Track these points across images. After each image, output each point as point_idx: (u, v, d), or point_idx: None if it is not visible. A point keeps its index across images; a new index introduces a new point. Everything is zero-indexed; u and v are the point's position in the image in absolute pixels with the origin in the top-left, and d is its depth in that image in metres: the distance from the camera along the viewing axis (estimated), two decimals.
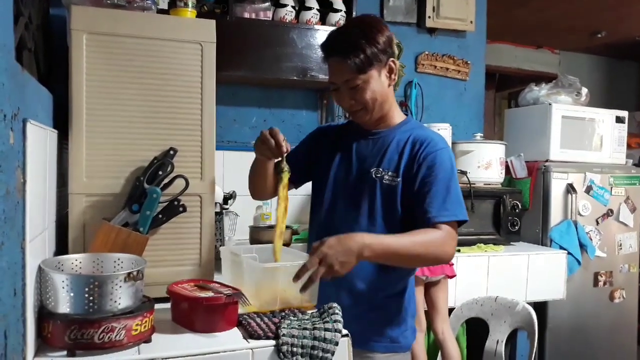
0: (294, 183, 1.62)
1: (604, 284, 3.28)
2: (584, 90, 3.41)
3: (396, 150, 1.48)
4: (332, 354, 1.17)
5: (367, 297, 1.49)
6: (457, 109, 3.37)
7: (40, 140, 1.10)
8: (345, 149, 1.55)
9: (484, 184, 3.01)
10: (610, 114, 3.45)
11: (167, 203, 1.36)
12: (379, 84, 1.44)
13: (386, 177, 1.46)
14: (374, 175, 1.47)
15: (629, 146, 3.72)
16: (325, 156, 1.59)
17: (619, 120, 3.47)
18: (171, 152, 1.37)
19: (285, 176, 1.44)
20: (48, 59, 1.52)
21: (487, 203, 2.98)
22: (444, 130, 3.04)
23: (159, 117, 1.40)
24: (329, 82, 1.50)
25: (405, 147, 1.47)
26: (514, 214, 3.02)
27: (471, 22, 3.29)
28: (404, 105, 3.24)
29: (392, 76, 1.48)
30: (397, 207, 1.46)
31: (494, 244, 2.90)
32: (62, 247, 1.36)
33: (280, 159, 1.44)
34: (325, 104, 3.10)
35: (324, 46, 1.47)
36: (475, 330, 2.47)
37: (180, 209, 1.37)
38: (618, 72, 5.76)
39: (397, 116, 1.54)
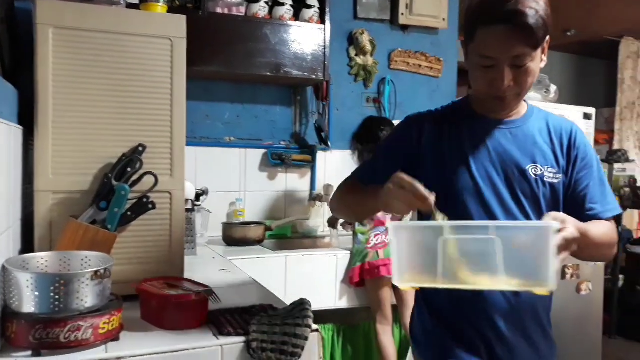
0: None
1: (571, 276, 3.36)
2: (553, 88, 3.48)
3: (544, 141, 1.27)
4: (302, 349, 1.18)
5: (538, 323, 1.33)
6: (429, 106, 3.33)
7: (4, 136, 1.08)
8: (474, 144, 1.26)
9: None
10: (578, 110, 3.53)
11: (135, 200, 1.35)
12: (538, 65, 1.19)
13: (547, 174, 1.24)
14: (532, 174, 1.24)
15: (596, 142, 3.83)
16: (440, 154, 1.28)
17: (587, 117, 3.56)
18: (140, 149, 1.36)
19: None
20: (13, 53, 1.49)
21: None
22: None
23: (128, 113, 1.38)
24: (482, 55, 1.16)
25: (552, 137, 1.28)
26: None
27: (444, 19, 3.32)
28: (377, 101, 3.26)
29: (544, 57, 1.21)
30: (561, 208, 1.25)
31: None
32: (28, 245, 1.34)
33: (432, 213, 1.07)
34: (299, 100, 3.10)
35: (488, 9, 1.13)
36: None
37: (150, 206, 1.36)
38: (587, 70, 5.89)
39: (522, 102, 1.31)
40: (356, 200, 1.33)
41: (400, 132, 1.39)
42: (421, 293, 1.37)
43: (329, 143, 3.06)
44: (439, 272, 1.02)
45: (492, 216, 1.22)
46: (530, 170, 1.24)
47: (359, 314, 2.60)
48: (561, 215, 1.06)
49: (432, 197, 1.05)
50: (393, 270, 1.06)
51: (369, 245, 2.47)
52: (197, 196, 2.45)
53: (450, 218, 1.10)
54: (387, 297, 2.46)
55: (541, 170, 1.24)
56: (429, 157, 1.29)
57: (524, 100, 1.30)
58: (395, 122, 2.95)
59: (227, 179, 2.94)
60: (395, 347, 2.50)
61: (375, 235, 2.48)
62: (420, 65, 3.36)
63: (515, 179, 1.24)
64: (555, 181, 1.25)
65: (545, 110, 1.35)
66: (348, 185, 1.39)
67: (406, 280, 1.06)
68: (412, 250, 1.07)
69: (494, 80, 1.17)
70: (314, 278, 2.48)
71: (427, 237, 1.05)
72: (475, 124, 1.28)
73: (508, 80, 1.16)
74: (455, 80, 3.51)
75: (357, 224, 2.55)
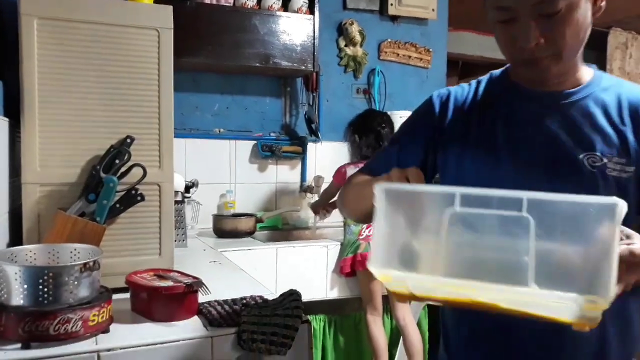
0: None
1: None
2: None
3: (609, 121, 0.94)
4: (292, 339, 1.18)
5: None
6: (419, 97, 3.37)
7: None
8: (509, 128, 0.98)
9: None
10: None
11: (124, 192, 1.34)
12: (584, 14, 0.88)
13: (610, 165, 0.92)
14: (588, 165, 0.92)
15: None
16: (465, 143, 1.01)
17: None
18: (128, 141, 1.35)
19: None
20: None
21: None
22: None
23: (115, 105, 1.37)
24: (497, 7, 0.90)
25: (623, 115, 0.95)
26: None
27: (433, 10, 3.32)
28: (366, 92, 3.26)
29: (599, 2, 0.92)
30: (632, 211, 0.85)
31: None
32: (16, 238, 1.33)
33: None
34: (289, 91, 3.09)
35: None
36: (437, 311, 2.53)
37: (138, 198, 1.36)
38: None
39: (583, 67, 0.99)
40: (360, 196, 1.03)
41: (421, 112, 1.12)
42: (442, 325, 1.10)
43: (319, 134, 3.06)
44: (439, 263, 0.72)
45: None
46: (586, 160, 0.92)
47: (350, 304, 2.62)
48: (625, 229, 0.75)
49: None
50: (372, 248, 0.77)
51: (360, 237, 2.48)
52: (187, 188, 2.44)
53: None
54: (378, 289, 2.48)
55: (602, 160, 0.92)
56: (452, 147, 1.03)
57: (590, 66, 1.00)
58: (389, 112, 2.95)
59: (217, 170, 2.93)
60: (385, 338, 2.52)
61: (367, 227, 2.48)
62: (409, 56, 3.36)
63: (564, 174, 0.93)
64: (624, 175, 0.92)
65: (620, 79, 1.02)
66: (355, 178, 1.14)
67: (384, 265, 0.74)
68: (402, 224, 0.76)
69: (516, 38, 0.89)
70: (305, 269, 2.49)
71: (429, 207, 0.74)
72: (514, 100, 1.00)
73: (534, 36, 0.87)
74: (444, 71, 3.52)
75: None
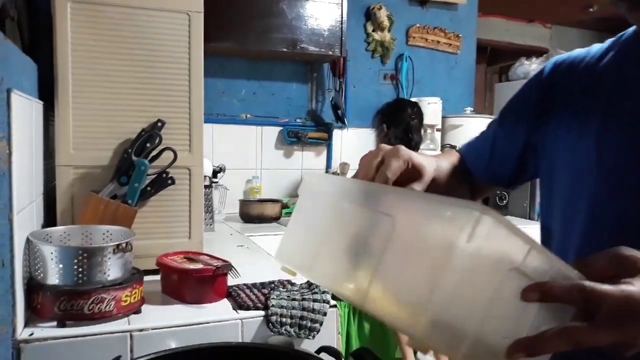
0: (505, 186, 0.92)
1: None
2: None
3: None
4: (321, 324, 1.19)
5: None
6: (447, 83, 3.35)
7: (25, 111, 1.09)
8: (617, 95, 0.72)
9: None
10: None
11: (155, 175, 1.36)
12: None
13: None
14: None
15: None
16: (558, 125, 0.79)
17: None
18: (159, 124, 1.36)
19: None
20: (32, 28, 1.49)
21: None
22: (434, 104, 3.03)
23: (146, 89, 1.38)
24: None
25: None
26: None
27: None
28: (394, 78, 3.22)
29: None
30: None
31: None
32: (50, 219, 1.35)
33: None
34: (316, 77, 3.07)
35: None
36: None
37: (169, 181, 1.37)
38: None
39: None
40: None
41: (531, 79, 0.90)
42: None
43: (346, 121, 3.04)
44: (319, 256, 0.62)
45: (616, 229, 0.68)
46: None
47: None
48: (606, 291, 0.46)
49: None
50: (282, 238, 0.71)
51: None
52: (215, 173, 2.46)
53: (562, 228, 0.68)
54: None
55: None
56: (551, 118, 0.80)
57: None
58: (414, 100, 2.91)
59: (244, 156, 2.94)
60: None
61: None
62: (438, 42, 3.30)
63: None
64: None
65: None
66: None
67: (285, 256, 0.68)
68: (308, 216, 0.69)
69: None
70: None
71: (332, 199, 0.66)
72: (630, 63, 0.72)
73: None
74: (474, 57, 3.45)
75: None
